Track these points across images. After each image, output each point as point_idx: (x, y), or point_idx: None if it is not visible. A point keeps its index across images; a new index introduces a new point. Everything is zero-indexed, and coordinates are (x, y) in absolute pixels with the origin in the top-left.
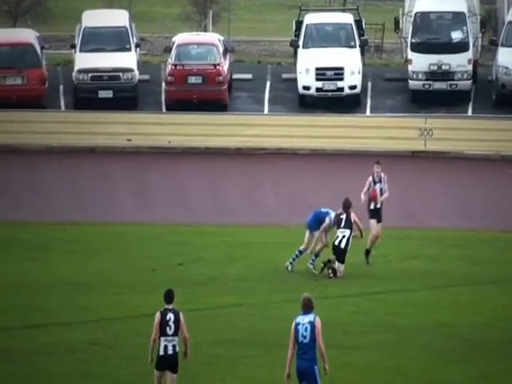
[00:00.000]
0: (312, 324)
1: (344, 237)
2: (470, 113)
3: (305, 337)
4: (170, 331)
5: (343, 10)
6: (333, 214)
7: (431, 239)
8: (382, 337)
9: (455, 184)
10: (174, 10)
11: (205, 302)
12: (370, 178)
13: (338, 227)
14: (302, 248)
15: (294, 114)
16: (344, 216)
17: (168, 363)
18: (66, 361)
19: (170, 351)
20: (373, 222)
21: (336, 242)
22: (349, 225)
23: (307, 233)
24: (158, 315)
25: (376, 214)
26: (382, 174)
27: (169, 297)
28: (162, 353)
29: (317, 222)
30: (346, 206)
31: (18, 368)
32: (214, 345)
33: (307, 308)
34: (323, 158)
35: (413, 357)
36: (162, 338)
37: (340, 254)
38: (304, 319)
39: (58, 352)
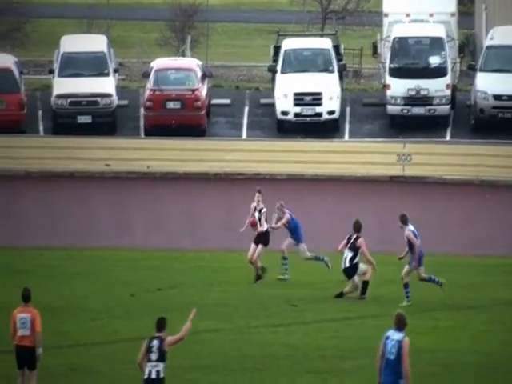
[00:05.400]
0: (400, 343)
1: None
2: (448, 138)
3: (391, 353)
4: (153, 357)
5: (321, 35)
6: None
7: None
8: (359, 361)
9: (434, 209)
10: (153, 35)
11: None
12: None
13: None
14: None
15: (273, 139)
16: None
17: None
18: None
19: (154, 375)
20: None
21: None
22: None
23: None
24: (145, 341)
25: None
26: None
27: (158, 324)
28: (145, 376)
29: None
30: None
31: None
32: (192, 369)
33: (400, 325)
34: (301, 183)
35: None
36: (148, 364)
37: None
38: (394, 335)
39: (38, 377)
